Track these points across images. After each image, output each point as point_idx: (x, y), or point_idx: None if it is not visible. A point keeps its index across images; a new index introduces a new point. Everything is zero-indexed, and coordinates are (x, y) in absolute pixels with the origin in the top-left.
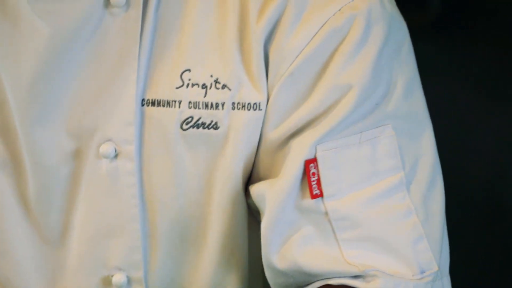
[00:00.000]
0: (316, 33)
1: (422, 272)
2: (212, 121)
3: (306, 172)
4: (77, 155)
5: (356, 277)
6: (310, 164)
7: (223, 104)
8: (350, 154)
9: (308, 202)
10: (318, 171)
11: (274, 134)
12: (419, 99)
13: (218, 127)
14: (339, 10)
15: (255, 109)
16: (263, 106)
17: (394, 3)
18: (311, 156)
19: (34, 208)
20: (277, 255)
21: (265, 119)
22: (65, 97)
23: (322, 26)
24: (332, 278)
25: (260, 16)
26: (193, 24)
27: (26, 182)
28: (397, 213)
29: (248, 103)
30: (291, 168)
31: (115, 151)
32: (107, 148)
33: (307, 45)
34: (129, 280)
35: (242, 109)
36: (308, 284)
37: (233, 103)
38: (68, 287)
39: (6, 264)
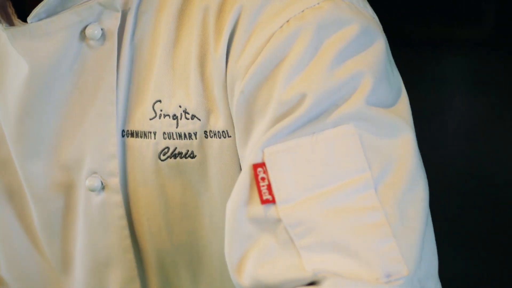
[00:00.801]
0: (263, 48)
1: (388, 275)
2: (188, 151)
3: (254, 177)
4: (69, 187)
5: (311, 283)
6: (258, 169)
7: (195, 134)
8: (302, 155)
9: (259, 209)
10: (267, 175)
11: (244, 159)
12: (394, 103)
13: (195, 156)
14: (287, 21)
15: (224, 137)
16: (231, 133)
17: (364, 5)
18: (259, 160)
19: (39, 238)
20: (238, 273)
21: (237, 142)
22: (51, 131)
23: (269, 40)
24: None
25: (216, 43)
26: (161, 55)
27: (30, 212)
28: (359, 214)
29: (218, 131)
30: (241, 175)
31: (102, 183)
32: (93, 182)
33: (254, 61)
34: None
35: (214, 137)
36: None
37: (205, 131)
38: None
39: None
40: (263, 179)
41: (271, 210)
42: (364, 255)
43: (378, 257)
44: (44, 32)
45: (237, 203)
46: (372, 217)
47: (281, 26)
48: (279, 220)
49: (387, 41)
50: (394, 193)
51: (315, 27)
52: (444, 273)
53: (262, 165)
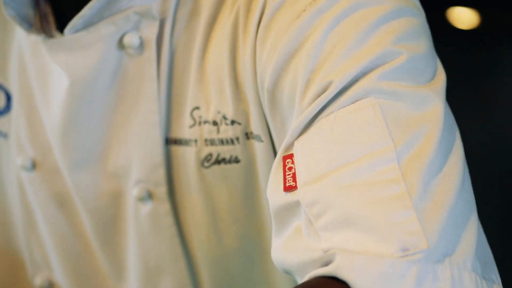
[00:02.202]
0: (281, 41)
1: (404, 249)
2: (231, 156)
3: (282, 168)
4: (118, 196)
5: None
6: (286, 160)
7: (237, 139)
8: (322, 137)
9: (283, 196)
10: (294, 165)
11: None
12: (429, 77)
13: (239, 161)
14: (303, 10)
15: (258, 141)
16: (263, 138)
17: None
18: (287, 152)
19: (92, 245)
20: (272, 256)
21: (276, 142)
22: (96, 141)
23: (286, 32)
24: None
25: (244, 45)
26: (196, 62)
27: (82, 220)
28: (377, 187)
29: (256, 135)
30: (272, 168)
31: (148, 193)
32: (140, 192)
33: (274, 57)
34: None
35: (254, 139)
36: None
37: (247, 133)
38: None
39: None
40: (290, 168)
41: (292, 194)
42: (380, 229)
43: (395, 230)
44: (82, 44)
45: (269, 196)
46: (391, 189)
47: (298, 16)
48: (297, 202)
49: (423, 20)
50: (419, 165)
51: (332, 11)
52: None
53: (291, 156)
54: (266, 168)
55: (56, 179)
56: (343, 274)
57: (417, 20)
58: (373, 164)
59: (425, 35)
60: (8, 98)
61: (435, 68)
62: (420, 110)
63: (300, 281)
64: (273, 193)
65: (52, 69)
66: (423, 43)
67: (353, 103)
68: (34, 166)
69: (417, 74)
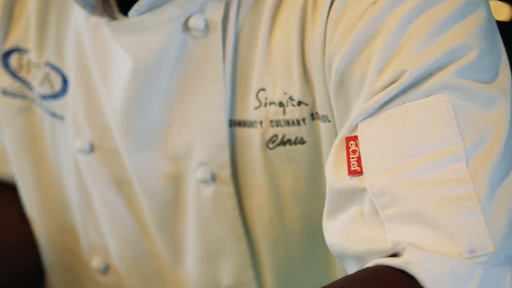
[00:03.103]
0: (355, 25)
1: (472, 251)
2: (297, 137)
3: (346, 150)
4: (179, 179)
5: (392, 255)
6: (350, 142)
7: (303, 120)
8: (392, 126)
9: (346, 180)
10: (358, 148)
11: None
12: (495, 75)
13: (305, 142)
14: (375, 3)
15: (324, 122)
16: (331, 118)
17: None
18: (351, 134)
19: (150, 228)
20: (326, 227)
21: (337, 124)
22: (157, 123)
23: (361, 17)
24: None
25: (314, 25)
26: (262, 43)
27: (140, 202)
28: (446, 186)
29: (323, 115)
30: (333, 148)
31: (212, 175)
32: (203, 174)
33: (347, 39)
34: None
35: (320, 119)
36: None
37: (312, 114)
38: None
39: (129, 278)
40: (354, 151)
41: (357, 180)
42: (448, 228)
43: (463, 231)
44: (147, 26)
45: (329, 175)
46: (459, 189)
47: (375, 1)
48: (364, 190)
49: (490, 12)
50: (486, 167)
51: (411, 1)
52: None
53: (355, 138)
54: (330, 149)
55: (115, 161)
56: (412, 270)
57: (487, 12)
58: (442, 161)
59: (493, 26)
60: (65, 81)
61: (500, 62)
62: (488, 110)
63: (353, 266)
64: (334, 173)
65: (114, 52)
66: (492, 36)
67: (426, 97)
68: (92, 148)
69: (486, 70)
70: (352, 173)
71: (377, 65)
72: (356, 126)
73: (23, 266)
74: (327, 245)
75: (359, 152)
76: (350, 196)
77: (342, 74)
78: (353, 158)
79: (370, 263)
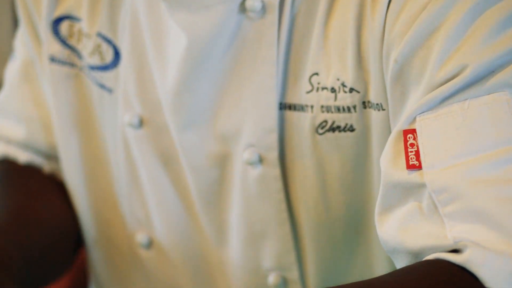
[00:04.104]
0: (419, 15)
1: None
2: (346, 124)
3: (403, 143)
4: (226, 159)
5: (451, 251)
6: (408, 135)
7: (354, 107)
8: (453, 122)
9: (404, 174)
10: (416, 142)
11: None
12: None
13: (354, 129)
14: None
15: (379, 110)
16: (385, 106)
17: None
18: (409, 127)
19: (196, 207)
20: (380, 224)
21: (390, 113)
22: (208, 102)
23: (425, 7)
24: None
25: (373, 12)
26: (318, 27)
27: (187, 181)
28: (506, 186)
29: (376, 104)
30: (390, 140)
31: (259, 157)
32: (251, 155)
33: (409, 29)
34: (285, 281)
35: (372, 108)
36: None
37: (364, 102)
38: (230, 283)
39: (172, 255)
40: (412, 145)
41: (416, 175)
42: (510, 228)
43: None
44: (203, 5)
45: (385, 167)
46: None
47: None
48: (423, 186)
49: None
50: None
51: None
52: None
53: (413, 131)
54: (381, 138)
55: (163, 137)
56: (473, 268)
57: None
58: (503, 160)
59: None
60: (116, 53)
61: None
62: None
63: (405, 261)
64: (391, 165)
65: (169, 29)
66: None
67: (487, 94)
68: (141, 123)
69: None
70: (410, 167)
71: (439, 58)
72: (415, 119)
73: (62, 244)
74: (369, 233)
75: (417, 146)
76: (407, 191)
77: (401, 65)
78: (411, 152)
79: (430, 256)
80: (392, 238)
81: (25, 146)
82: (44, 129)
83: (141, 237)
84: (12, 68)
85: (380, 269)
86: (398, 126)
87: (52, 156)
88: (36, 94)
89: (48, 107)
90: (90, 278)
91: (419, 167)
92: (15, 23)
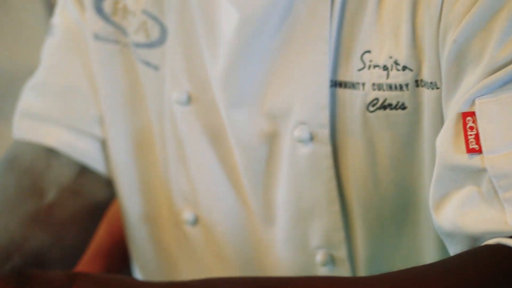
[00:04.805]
0: None
1: None
2: (398, 102)
3: (462, 126)
4: (274, 137)
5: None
6: (467, 118)
7: (406, 85)
8: None
9: (464, 157)
10: (476, 125)
11: (450, 108)
12: None
13: (406, 107)
14: None
15: (433, 88)
16: (439, 85)
17: None
18: (468, 109)
19: (242, 184)
20: (436, 212)
21: (443, 92)
22: (258, 81)
23: None
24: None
25: None
26: (371, 4)
27: (234, 158)
28: None
29: (430, 82)
30: (447, 122)
31: (310, 135)
32: (302, 132)
33: (470, 10)
34: (333, 259)
35: (425, 86)
36: None
37: (416, 81)
38: (277, 261)
39: (218, 232)
40: (471, 128)
41: (476, 159)
42: None
43: None
44: None
45: (443, 149)
46: None
47: None
48: (483, 170)
49: None
50: None
51: None
52: None
53: (472, 114)
54: (433, 117)
55: (211, 114)
56: None
57: None
58: None
59: None
60: (163, 31)
61: None
62: None
63: (462, 245)
64: (450, 148)
65: (220, 5)
66: None
67: None
68: (189, 100)
69: None
70: (470, 151)
71: (499, 40)
72: (474, 101)
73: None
74: (418, 213)
75: (477, 130)
76: (466, 174)
77: (460, 45)
78: (470, 135)
79: (490, 241)
80: (449, 221)
81: (61, 123)
82: (84, 104)
83: (187, 214)
84: (51, 44)
85: (426, 250)
86: (457, 108)
87: (89, 132)
88: (76, 68)
89: (89, 79)
90: (129, 257)
91: (479, 151)
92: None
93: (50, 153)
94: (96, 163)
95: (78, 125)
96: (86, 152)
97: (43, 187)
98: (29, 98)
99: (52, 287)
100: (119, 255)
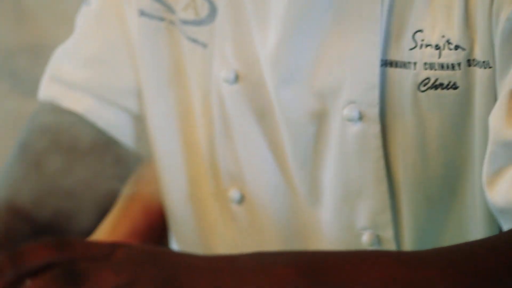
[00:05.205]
0: None
1: None
2: (450, 82)
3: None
4: (322, 115)
5: None
6: None
7: (459, 64)
8: None
9: None
10: None
11: (503, 85)
12: None
13: (457, 87)
14: None
15: (485, 68)
16: (492, 64)
17: None
18: None
19: (288, 163)
20: (490, 188)
21: (497, 71)
22: (308, 59)
23: None
24: None
25: None
26: None
27: (281, 136)
28: None
29: (483, 61)
30: (501, 99)
31: (359, 114)
32: (351, 111)
33: None
34: (379, 240)
35: (477, 66)
36: None
37: (469, 60)
38: (322, 242)
39: (263, 211)
40: None
41: None
42: None
43: None
44: None
45: (496, 125)
46: None
47: None
48: None
49: None
50: None
51: None
52: None
53: None
54: (486, 96)
55: (259, 93)
56: None
57: None
58: None
59: None
60: (213, 8)
61: None
62: None
63: None
64: (503, 124)
65: None
66: None
67: None
68: (237, 78)
69: None
70: None
71: None
72: None
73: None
74: (466, 194)
75: None
76: None
77: (510, 19)
78: None
79: None
80: (503, 198)
81: (91, 91)
82: (118, 75)
83: (233, 193)
84: (87, 12)
85: (473, 231)
86: (509, 84)
87: (121, 104)
88: (113, 38)
89: (126, 52)
90: (165, 238)
91: None
92: None
93: (78, 119)
94: (124, 136)
95: (108, 95)
96: (115, 123)
97: (72, 146)
98: (59, 63)
99: (92, 253)
100: (155, 236)
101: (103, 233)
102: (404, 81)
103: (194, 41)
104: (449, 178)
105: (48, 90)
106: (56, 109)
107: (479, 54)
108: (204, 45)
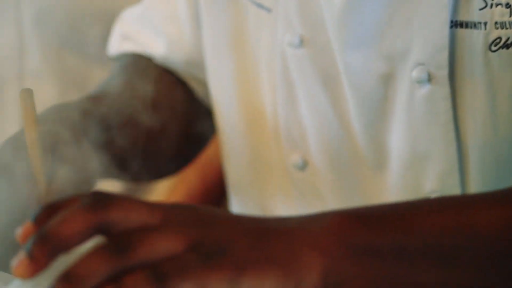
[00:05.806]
0: None
1: None
2: None
3: None
4: (390, 78)
5: None
6: None
7: None
8: None
9: None
10: None
11: None
12: None
13: None
14: None
15: None
16: None
17: None
18: None
19: (353, 127)
20: None
21: None
22: (375, 22)
23: None
24: None
25: None
26: None
27: (346, 101)
28: None
29: None
30: None
31: (428, 76)
32: (420, 73)
33: None
34: None
35: None
36: None
37: None
38: None
39: (326, 177)
40: None
41: None
42: None
43: None
44: None
45: None
46: None
47: None
48: None
49: None
50: None
51: None
52: None
53: None
54: None
55: (324, 57)
56: None
57: None
58: None
59: None
60: None
61: None
62: None
63: None
64: None
65: None
66: None
67: None
68: (302, 42)
69: None
70: None
71: None
72: None
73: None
74: None
75: None
76: None
77: None
78: None
79: None
80: None
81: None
82: (184, 46)
83: (295, 158)
84: None
85: None
86: None
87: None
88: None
89: (192, 23)
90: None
91: None
92: None
93: None
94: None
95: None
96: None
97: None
98: (129, 24)
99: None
100: (210, 201)
101: (159, 198)
102: (474, 41)
103: (260, 6)
104: None
105: (120, 46)
106: None
107: None
108: (269, 10)
